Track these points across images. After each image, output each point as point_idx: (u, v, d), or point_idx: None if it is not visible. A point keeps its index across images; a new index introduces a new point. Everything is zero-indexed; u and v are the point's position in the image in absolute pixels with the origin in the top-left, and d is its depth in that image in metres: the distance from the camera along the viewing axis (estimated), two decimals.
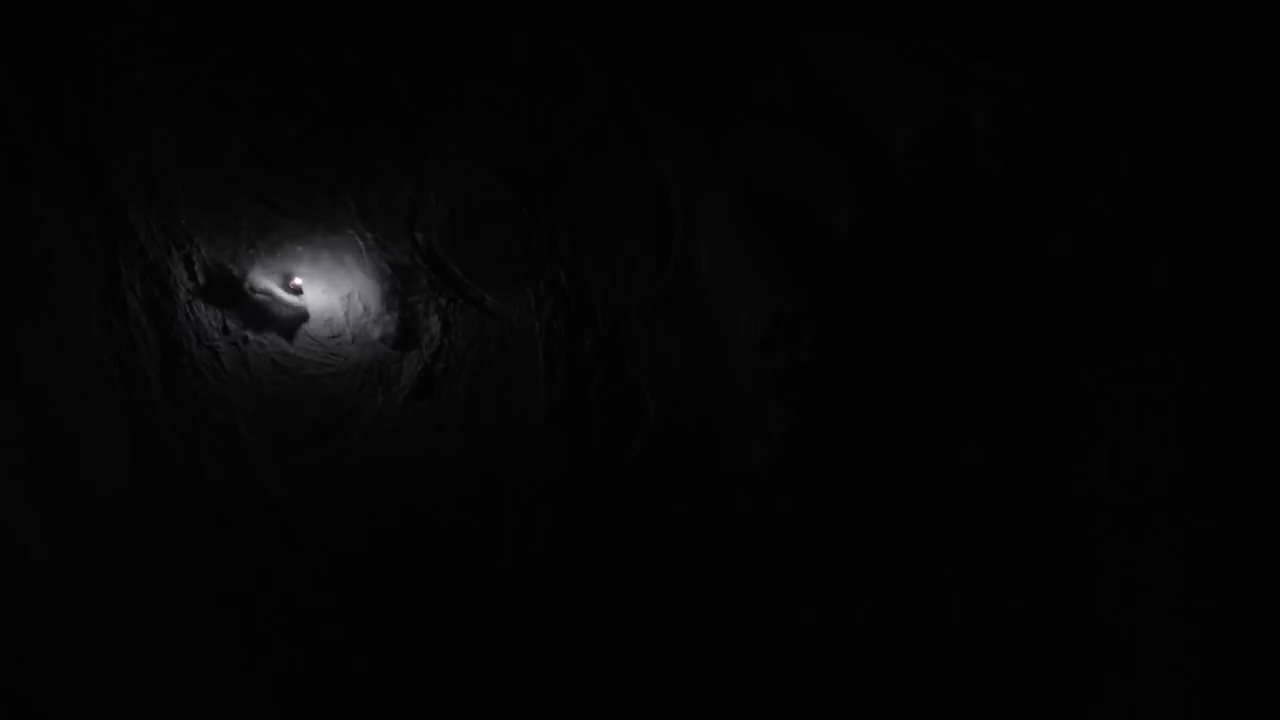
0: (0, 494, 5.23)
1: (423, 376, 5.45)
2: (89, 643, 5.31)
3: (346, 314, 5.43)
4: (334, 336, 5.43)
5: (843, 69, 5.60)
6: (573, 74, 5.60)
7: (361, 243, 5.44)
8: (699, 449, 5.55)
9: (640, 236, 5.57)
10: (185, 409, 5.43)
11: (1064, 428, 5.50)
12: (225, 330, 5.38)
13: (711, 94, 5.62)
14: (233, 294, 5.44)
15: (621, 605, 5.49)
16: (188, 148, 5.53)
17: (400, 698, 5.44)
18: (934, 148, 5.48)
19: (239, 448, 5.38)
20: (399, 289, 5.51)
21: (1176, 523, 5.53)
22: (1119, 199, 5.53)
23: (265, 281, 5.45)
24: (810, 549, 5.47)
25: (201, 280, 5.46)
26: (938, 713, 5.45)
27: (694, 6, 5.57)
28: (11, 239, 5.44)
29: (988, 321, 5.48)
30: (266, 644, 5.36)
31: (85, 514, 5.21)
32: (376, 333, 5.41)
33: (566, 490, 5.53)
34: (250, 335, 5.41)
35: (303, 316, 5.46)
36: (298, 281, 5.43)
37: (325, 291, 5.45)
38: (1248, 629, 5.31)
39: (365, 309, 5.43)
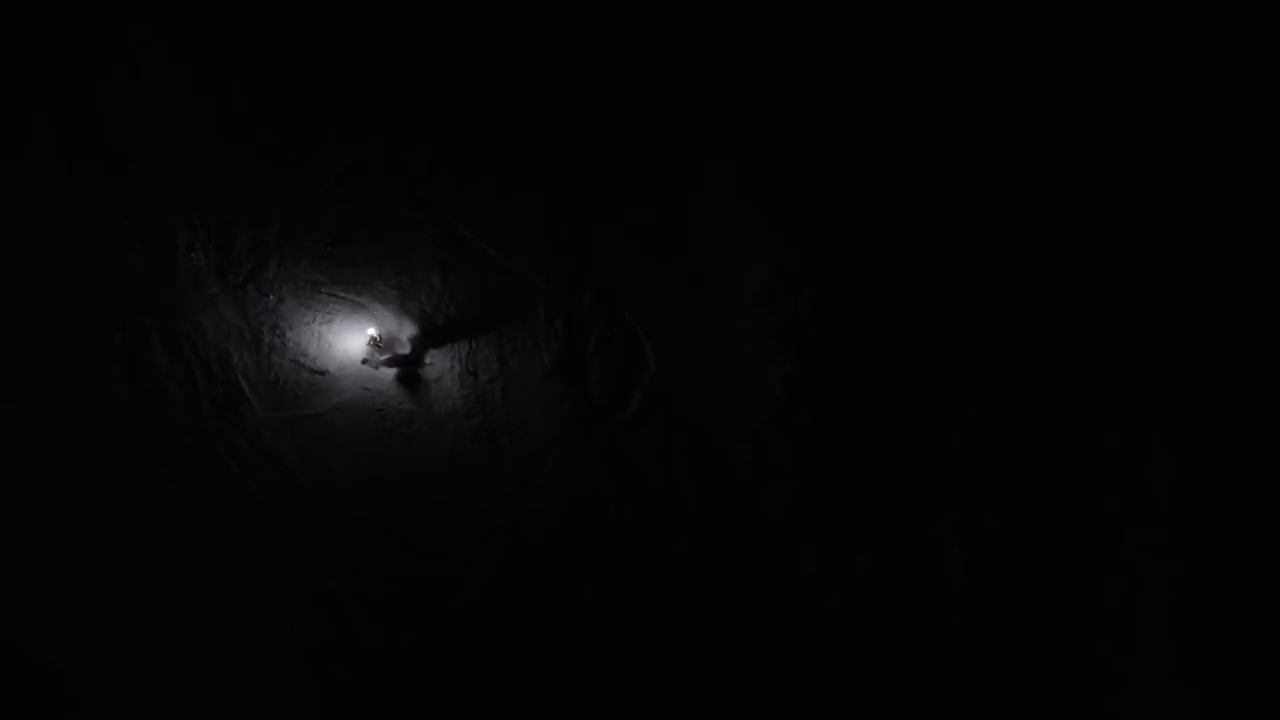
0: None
1: (422, 327, 5.43)
2: (102, 599, 5.32)
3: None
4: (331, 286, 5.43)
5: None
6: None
7: (359, 195, 5.43)
8: (699, 402, 5.53)
9: (642, 190, 5.55)
10: (184, 362, 5.44)
11: (1063, 376, 5.48)
12: (223, 279, 5.38)
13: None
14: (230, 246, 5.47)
15: (620, 558, 5.47)
16: (188, 104, 5.54)
17: (398, 648, 5.43)
18: (937, 101, 5.47)
19: (238, 398, 5.38)
20: (397, 242, 5.50)
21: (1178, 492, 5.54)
22: (1118, 157, 5.53)
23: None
24: (810, 499, 5.45)
25: (201, 233, 5.47)
26: (937, 661, 5.43)
27: None
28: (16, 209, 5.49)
29: (987, 269, 5.46)
30: (267, 596, 5.36)
31: (80, 453, 5.21)
32: (375, 284, 5.41)
33: (565, 443, 5.52)
34: (250, 287, 5.42)
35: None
36: (373, 333, 5.28)
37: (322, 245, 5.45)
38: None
39: (362, 258, 5.42)
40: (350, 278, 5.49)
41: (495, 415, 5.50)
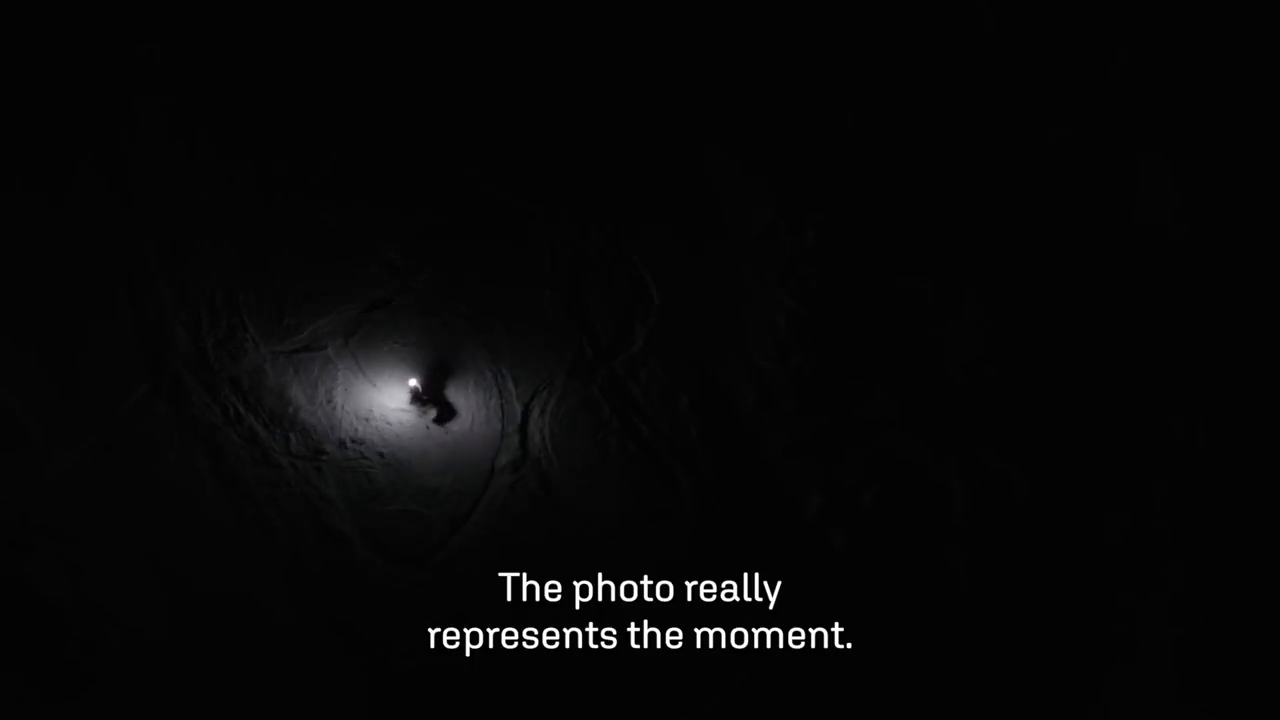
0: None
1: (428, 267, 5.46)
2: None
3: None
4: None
5: None
6: None
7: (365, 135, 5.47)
8: (703, 341, 5.53)
9: (646, 126, 5.58)
10: (190, 302, 5.44)
11: (1062, 311, 5.49)
12: (227, 219, 5.39)
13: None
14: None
15: (624, 495, 5.46)
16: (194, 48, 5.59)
17: (403, 584, 5.41)
18: (940, 39, 5.50)
19: (242, 335, 5.38)
20: (404, 180, 5.53)
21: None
22: (1115, 92, 5.55)
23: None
24: (813, 436, 5.45)
25: (205, 173, 5.50)
26: (939, 600, 5.42)
27: None
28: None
29: (989, 205, 5.48)
30: (270, 532, 5.35)
31: (86, 388, 5.23)
32: (379, 215, 5.42)
33: (570, 381, 5.51)
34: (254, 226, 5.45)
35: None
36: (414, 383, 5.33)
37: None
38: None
39: (366, 193, 5.44)
40: (353, 212, 5.51)
41: (499, 353, 5.50)
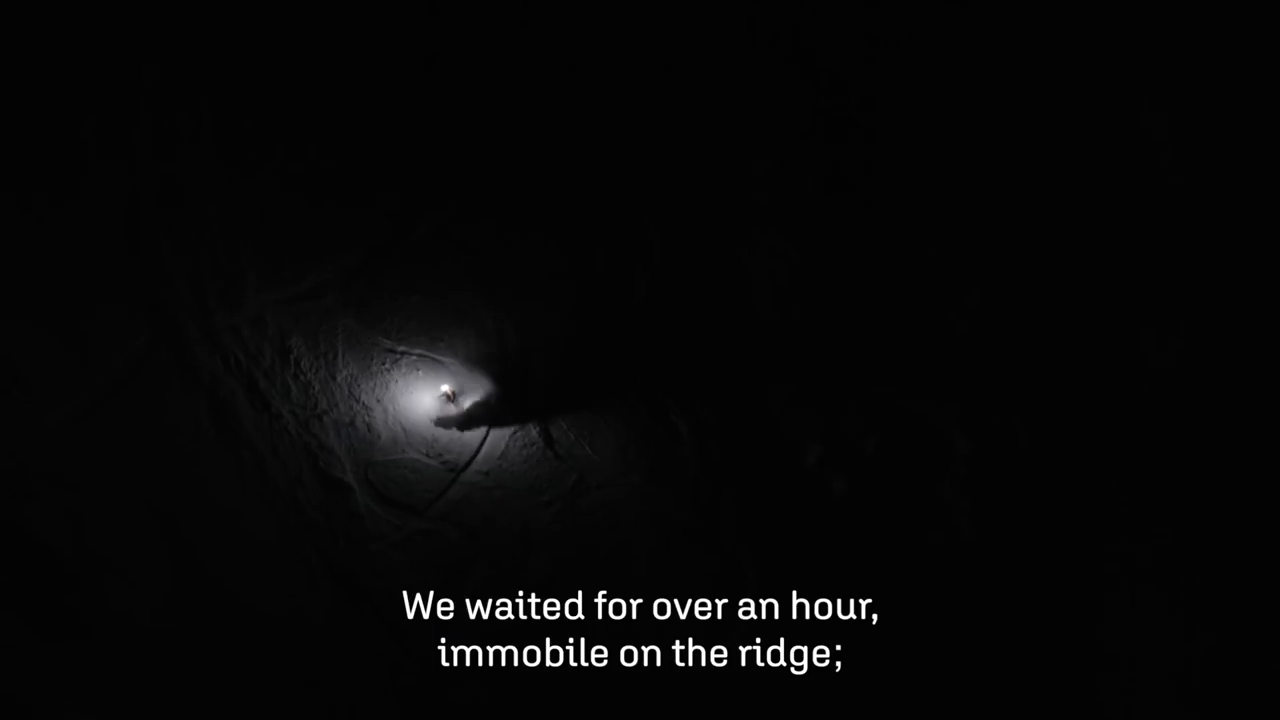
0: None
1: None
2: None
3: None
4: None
5: None
6: None
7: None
8: (706, 286, 5.49)
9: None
10: (191, 250, 5.43)
11: (1072, 260, 5.44)
12: (227, 169, 5.38)
13: None
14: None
15: (624, 448, 5.45)
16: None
17: (403, 536, 5.42)
18: None
19: (240, 283, 5.38)
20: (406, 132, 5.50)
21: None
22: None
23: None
24: (815, 387, 5.42)
25: (206, 118, 5.47)
26: (941, 552, 5.40)
27: None
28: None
29: (992, 152, 5.43)
30: (271, 479, 5.35)
31: (85, 335, 5.24)
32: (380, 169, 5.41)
33: (572, 337, 5.48)
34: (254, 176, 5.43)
35: None
36: (446, 389, 5.37)
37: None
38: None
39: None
40: (353, 161, 5.47)
41: (499, 305, 5.48)
